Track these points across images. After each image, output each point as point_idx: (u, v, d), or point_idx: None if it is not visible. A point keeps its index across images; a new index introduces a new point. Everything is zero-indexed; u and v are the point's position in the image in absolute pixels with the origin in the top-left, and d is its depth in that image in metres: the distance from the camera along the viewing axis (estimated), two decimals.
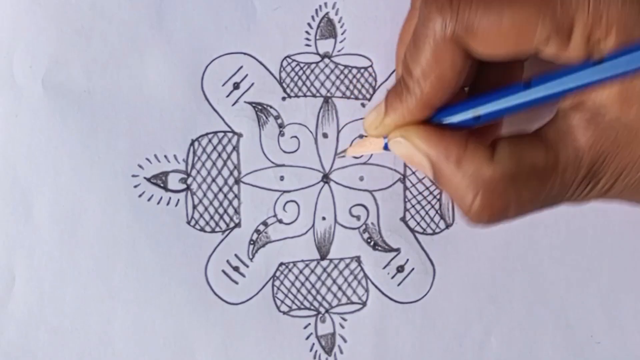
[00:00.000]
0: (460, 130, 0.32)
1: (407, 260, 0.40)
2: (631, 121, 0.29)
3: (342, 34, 0.39)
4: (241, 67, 0.39)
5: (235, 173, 0.39)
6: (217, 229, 0.39)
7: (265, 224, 0.39)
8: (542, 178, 0.31)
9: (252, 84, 0.39)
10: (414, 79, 0.32)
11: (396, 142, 0.33)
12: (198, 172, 0.39)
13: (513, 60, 0.31)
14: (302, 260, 0.39)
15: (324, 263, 0.39)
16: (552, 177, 0.31)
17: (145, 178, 0.38)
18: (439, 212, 0.40)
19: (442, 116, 0.33)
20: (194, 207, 0.39)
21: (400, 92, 0.33)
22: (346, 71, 0.39)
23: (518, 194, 0.31)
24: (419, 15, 0.32)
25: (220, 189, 0.39)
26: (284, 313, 0.39)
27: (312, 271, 0.39)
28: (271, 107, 0.39)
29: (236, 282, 0.39)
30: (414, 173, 0.40)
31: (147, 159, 0.38)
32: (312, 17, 0.39)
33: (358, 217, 0.40)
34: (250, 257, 0.39)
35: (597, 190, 0.31)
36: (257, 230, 0.39)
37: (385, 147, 0.35)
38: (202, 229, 0.39)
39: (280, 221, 0.39)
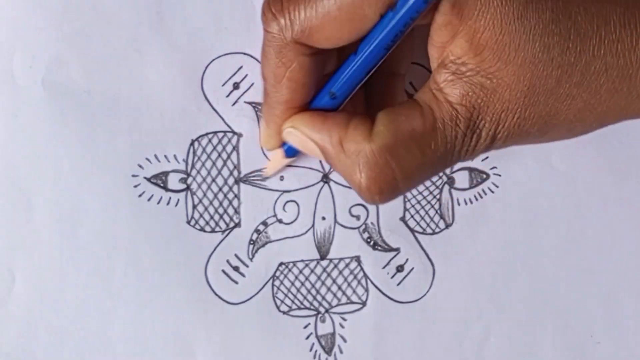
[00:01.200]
0: (343, 111, 0.33)
1: (407, 259, 0.40)
2: (487, 68, 0.29)
3: None
4: (241, 67, 0.39)
5: (235, 173, 0.39)
6: (217, 228, 0.39)
7: (265, 223, 0.39)
8: (423, 142, 0.31)
9: (252, 84, 0.39)
10: (271, 86, 0.33)
11: (288, 133, 0.34)
12: (198, 172, 0.39)
13: (360, 38, 0.31)
14: (302, 260, 0.39)
15: (324, 263, 0.39)
16: (433, 138, 0.31)
17: (145, 178, 0.38)
18: (438, 212, 0.40)
19: (314, 102, 0.34)
20: (194, 207, 0.39)
21: (267, 102, 0.34)
22: None
23: (400, 163, 0.31)
24: (262, 22, 0.32)
25: (220, 189, 0.39)
26: (284, 313, 0.39)
27: (312, 271, 0.39)
28: None
29: (236, 282, 0.39)
30: None
31: (147, 159, 0.38)
32: None
33: (358, 217, 0.40)
34: (250, 257, 0.39)
35: (482, 142, 0.31)
36: (257, 230, 0.39)
37: (287, 154, 0.36)
38: (202, 229, 0.39)
39: (280, 221, 0.39)
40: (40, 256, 0.38)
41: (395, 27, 0.30)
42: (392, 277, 0.40)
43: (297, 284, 0.39)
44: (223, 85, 0.39)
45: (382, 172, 0.31)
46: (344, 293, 0.40)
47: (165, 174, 0.38)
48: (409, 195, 0.40)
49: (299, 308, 0.39)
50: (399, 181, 0.31)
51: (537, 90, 0.29)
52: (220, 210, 0.39)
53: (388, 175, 0.31)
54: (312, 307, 0.39)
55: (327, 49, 0.32)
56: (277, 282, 0.39)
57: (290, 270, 0.39)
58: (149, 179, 0.38)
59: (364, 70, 0.32)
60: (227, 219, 0.39)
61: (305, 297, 0.39)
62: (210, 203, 0.39)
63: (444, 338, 0.40)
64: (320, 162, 0.39)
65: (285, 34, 0.31)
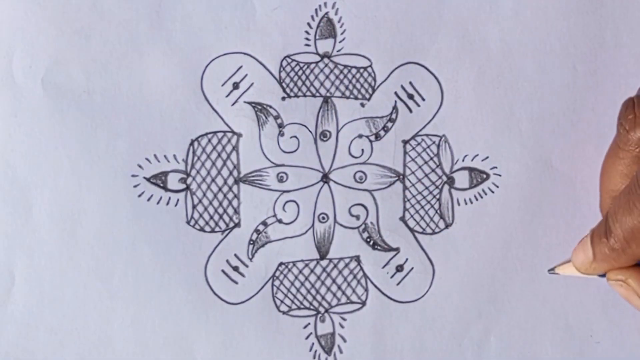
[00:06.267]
0: None
1: (407, 259, 0.40)
2: None
3: (341, 33, 0.39)
4: (241, 67, 0.39)
5: (235, 173, 0.39)
6: (217, 228, 0.39)
7: (264, 223, 0.39)
8: None
9: (252, 84, 0.39)
10: (623, 239, 0.33)
11: (616, 284, 0.35)
12: (198, 172, 0.39)
13: None
14: (302, 260, 0.39)
15: (324, 263, 0.39)
16: None
17: (145, 178, 0.38)
18: (438, 211, 0.40)
19: None
20: (194, 207, 0.39)
21: (608, 245, 0.34)
22: (345, 71, 0.39)
23: None
24: (631, 181, 0.33)
25: (220, 189, 0.39)
26: (284, 313, 0.39)
27: (312, 271, 0.39)
28: (271, 107, 0.39)
29: (236, 282, 0.39)
30: (413, 173, 0.40)
31: (147, 159, 0.38)
32: (312, 17, 0.39)
33: (357, 217, 0.40)
34: (250, 257, 0.39)
35: None
36: (256, 230, 0.39)
37: (599, 276, 0.37)
38: (201, 229, 0.39)
39: (279, 221, 0.39)
40: (40, 256, 0.38)
41: None
42: (392, 276, 0.40)
43: (297, 283, 0.39)
44: (223, 85, 0.39)
45: None
46: (343, 293, 0.40)
47: (165, 174, 0.38)
48: (408, 195, 0.40)
49: (299, 308, 0.39)
50: None
51: None
52: (220, 210, 0.39)
53: None
54: (311, 307, 0.39)
55: None
56: (276, 282, 0.39)
57: (290, 270, 0.39)
58: (148, 179, 0.38)
59: None
60: (226, 219, 0.39)
61: (305, 297, 0.39)
62: (210, 203, 0.39)
63: (444, 337, 0.40)
64: (320, 161, 0.39)
65: None
